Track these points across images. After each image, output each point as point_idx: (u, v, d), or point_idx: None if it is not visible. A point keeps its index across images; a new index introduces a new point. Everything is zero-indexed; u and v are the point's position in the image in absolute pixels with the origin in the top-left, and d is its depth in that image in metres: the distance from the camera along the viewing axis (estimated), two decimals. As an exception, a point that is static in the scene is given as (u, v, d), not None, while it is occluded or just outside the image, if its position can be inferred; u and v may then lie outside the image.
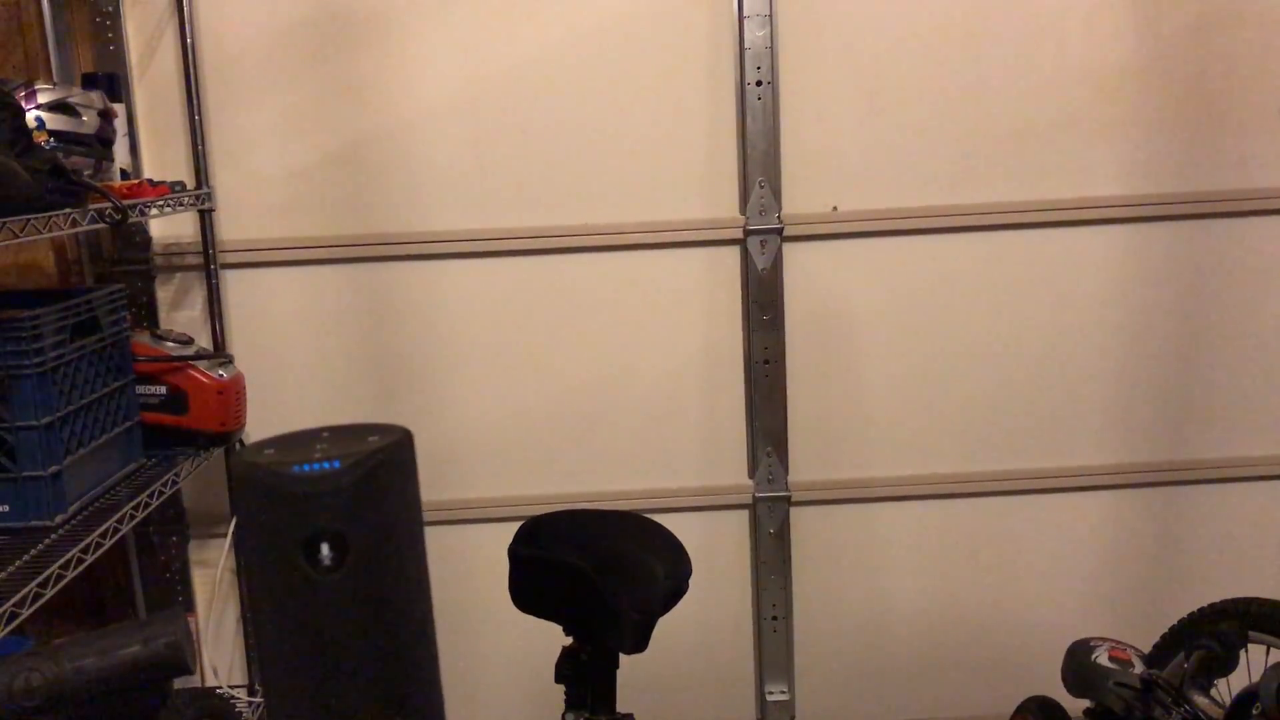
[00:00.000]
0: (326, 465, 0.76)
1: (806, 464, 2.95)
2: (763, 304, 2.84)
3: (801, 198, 2.82)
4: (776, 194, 2.79)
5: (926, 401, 2.94)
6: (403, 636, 0.80)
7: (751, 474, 2.94)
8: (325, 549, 0.76)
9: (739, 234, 2.81)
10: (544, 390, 2.90)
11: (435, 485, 2.90)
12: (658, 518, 2.87)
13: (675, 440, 2.94)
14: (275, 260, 2.80)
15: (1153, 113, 2.81)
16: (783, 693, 3.03)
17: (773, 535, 2.94)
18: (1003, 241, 2.86)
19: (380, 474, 0.78)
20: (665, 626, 2.97)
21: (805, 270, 2.85)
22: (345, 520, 0.77)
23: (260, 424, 2.79)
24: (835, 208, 2.82)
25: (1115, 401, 2.95)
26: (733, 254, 2.84)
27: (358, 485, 0.77)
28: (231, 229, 2.79)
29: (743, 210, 2.81)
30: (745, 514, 2.97)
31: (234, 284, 2.82)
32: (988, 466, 2.96)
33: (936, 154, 2.81)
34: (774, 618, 2.99)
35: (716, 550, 2.98)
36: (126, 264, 2.79)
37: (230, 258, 2.79)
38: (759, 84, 2.74)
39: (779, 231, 2.80)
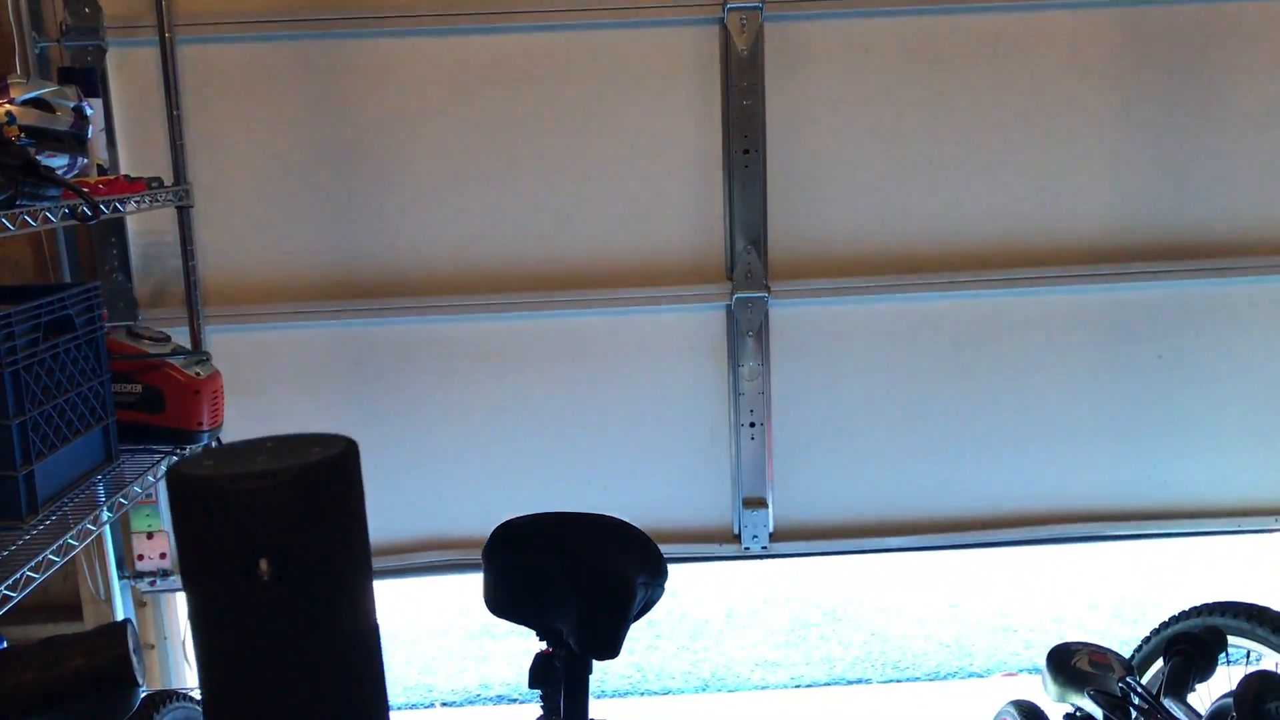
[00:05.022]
0: (267, 478, 0.74)
1: (786, 259, 2.87)
2: (743, 88, 2.75)
3: None
4: None
5: (911, 190, 2.86)
6: (346, 651, 0.78)
7: (730, 272, 2.88)
8: (264, 564, 0.74)
9: (718, 11, 2.72)
10: (516, 181, 2.83)
11: (397, 284, 2.85)
12: (635, 317, 2.88)
13: (654, 234, 2.87)
14: (229, 35, 2.73)
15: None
16: (760, 500, 2.99)
17: (751, 336, 2.89)
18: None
19: (323, 487, 0.76)
20: (643, 437, 2.93)
21: (788, 51, 2.76)
22: (286, 535, 0.75)
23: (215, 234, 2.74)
24: None
25: (1108, 177, 2.89)
26: (711, 33, 2.76)
27: (299, 499, 0.75)
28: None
29: None
30: (723, 314, 2.91)
31: (187, 59, 2.73)
32: (970, 254, 2.89)
33: None
34: (751, 424, 2.95)
35: (694, 354, 2.93)
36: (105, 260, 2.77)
37: (185, 32, 2.71)
38: None
39: (760, 8, 2.71)
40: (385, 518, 2.94)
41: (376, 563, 2.91)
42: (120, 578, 2.92)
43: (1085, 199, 2.89)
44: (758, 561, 3.04)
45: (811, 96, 2.81)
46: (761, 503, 2.98)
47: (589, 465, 2.98)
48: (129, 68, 2.75)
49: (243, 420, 2.74)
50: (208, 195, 2.80)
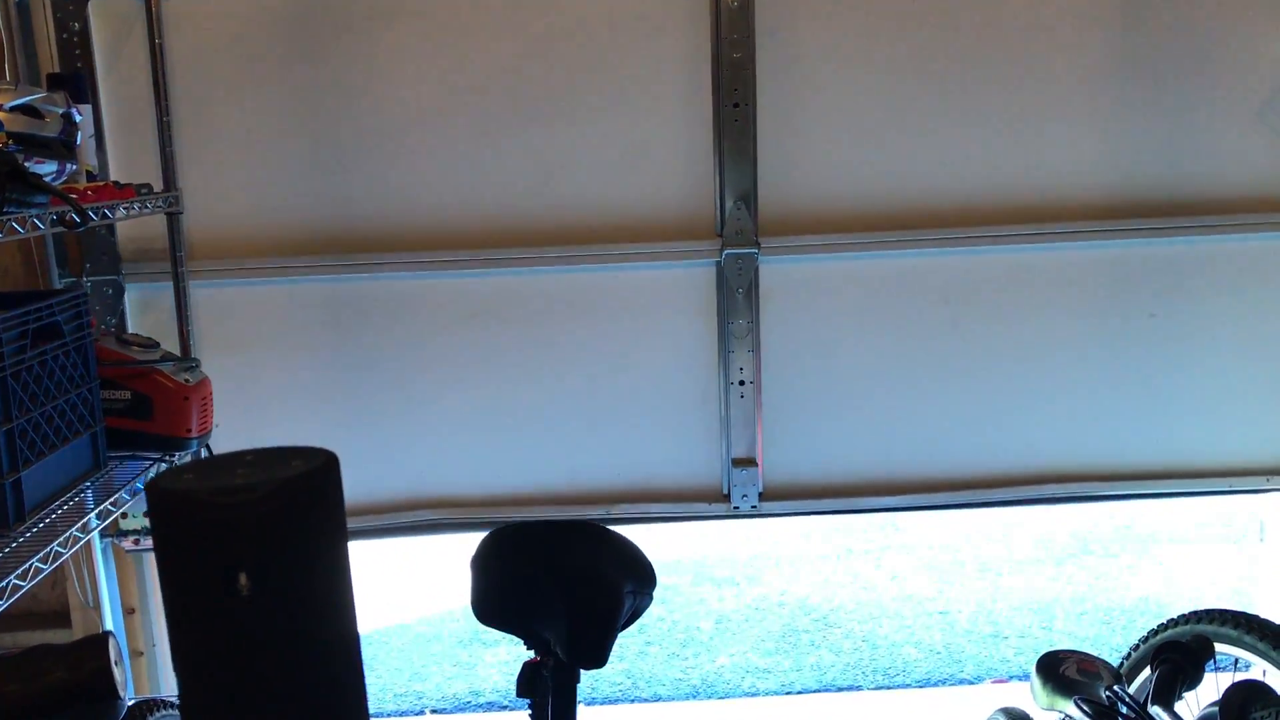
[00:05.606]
0: (246, 492, 0.74)
1: (776, 215, 2.85)
2: (733, 41, 2.74)
3: None
4: None
5: (903, 146, 2.85)
6: (325, 663, 0.78)
7: (720, 228, 2.86)
8: (243, 578, 0.74)
9: None
10: (503, 136, 2.81)
11: (383, 239, 2.82)
12: (624, 274, 2.86)
13: (643, 190, 2.85)
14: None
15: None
16: (749, 459, 2.97)
17: (741, 293, 2.87)
18: None
19: (302, 500, 0.76)
20: (632, 395, 2.93)
21: (779, 4, 2.75)
22: (265, 549, 0.75)
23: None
24: None
25: (1101, 134, 2.87)
26: None
27: (278, 513, 0.75)
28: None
29: None
30: (713, 271, 2.89)
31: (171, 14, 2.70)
32: (962, 210, 2.87)
33: None
34: (741, 383, 2.93)
35: (684, 312, 2.92)
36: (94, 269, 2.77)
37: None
38: None
39: None
40: (371, 476, 2.93)
41: (361, 521, 2.87)
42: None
43: (1078, 155, 2.88)
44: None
45: (803, 51, 2.80)
46: (751, 462, 2.97)
47: (577, 423, 2.96)
48: (112, 23, 2.71)
49: (226, 378, 2.70)
50: (193, 147, 2.77)
